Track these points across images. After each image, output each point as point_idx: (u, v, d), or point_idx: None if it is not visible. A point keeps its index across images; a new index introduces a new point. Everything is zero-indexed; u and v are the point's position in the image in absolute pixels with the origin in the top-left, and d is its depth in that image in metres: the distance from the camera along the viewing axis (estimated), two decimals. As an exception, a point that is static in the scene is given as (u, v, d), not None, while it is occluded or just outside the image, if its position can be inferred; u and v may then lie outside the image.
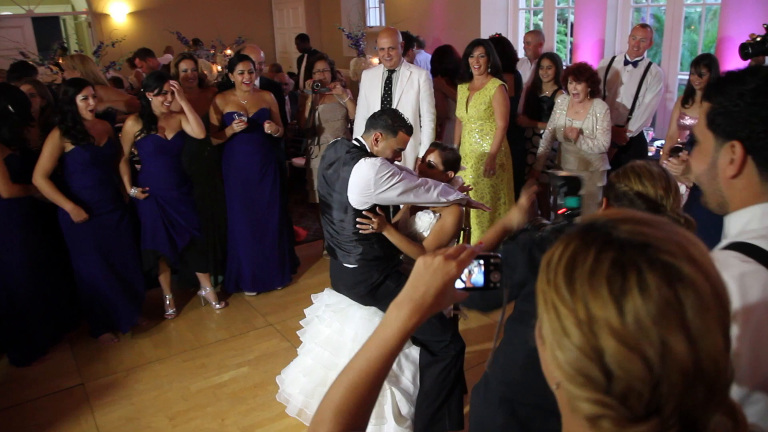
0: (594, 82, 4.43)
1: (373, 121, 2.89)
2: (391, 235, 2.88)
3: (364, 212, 2.80)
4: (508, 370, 1.98)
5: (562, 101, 4.62)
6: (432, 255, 1.06)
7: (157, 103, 4.04)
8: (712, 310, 0.66)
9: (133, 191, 4.16)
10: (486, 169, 4.49)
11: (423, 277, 1.05)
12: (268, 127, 4.40)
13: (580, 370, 0.68)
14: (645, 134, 5.08)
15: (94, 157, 3.84)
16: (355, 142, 2.88)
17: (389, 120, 2.85)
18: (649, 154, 5.05)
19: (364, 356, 1.02)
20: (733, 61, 5.25)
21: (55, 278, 4.04)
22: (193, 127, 4.17)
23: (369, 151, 2.84)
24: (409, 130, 2.88)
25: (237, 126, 4.28)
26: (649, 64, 4.79)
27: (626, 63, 4.85)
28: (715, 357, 0.65)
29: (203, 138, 4.28)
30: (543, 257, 0.76)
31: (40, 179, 3.73)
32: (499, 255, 1.10)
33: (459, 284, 1.08)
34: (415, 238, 3.06)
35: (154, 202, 4.23)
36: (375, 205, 2.82)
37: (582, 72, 4.42)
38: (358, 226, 2.82)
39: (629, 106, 4.83)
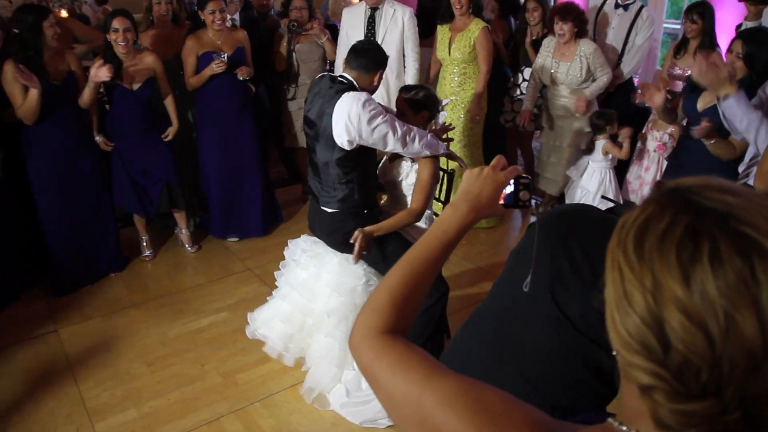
0: (581, 22, 4.31)
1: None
2: (381, 229, 2.75)
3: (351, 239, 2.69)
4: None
5: (547, 43, 4.49)
6: (479, 168, 1.12)
7: (113, 43, 3.76)
8: None
9: (98, 138, 3.97)
10: (473, 115, 4.39)
11: (475, 182, 1.10)
12: (241, 74, 4.23)
13: (637, 336, 0.64)
14: (633, 80, 4.98)
15: (51, 96, 3.54)
16: (341, 79, 2.75)
17: (383, 54, 2.82)
18: (637, 101, 4.97)
19: (424, 247, 1.05)
20: (725, 6, 5.16)
21: (22, 221, 3.87)
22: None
23: (358, 86, 2.72)
24: None
25: (217, 67, 4.07)
26: (641, 7, 4.64)
27: (617, 6, 4.69)
28: None
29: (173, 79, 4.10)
30: (620, 219, 0.71)
31: (20, 113, 3.50)
32: (528, 177, 1.17)
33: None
34: (395, 184, 2.98)
35: (118, 158, 4.04)
36: (360, 175, 2.76)
37: (569, 11, 4.29)
38: (348, 199, 2.76)
39: (618, 51, 4.72)
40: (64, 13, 6.58)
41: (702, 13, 4.14)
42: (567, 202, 4.62)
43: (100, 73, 3.56)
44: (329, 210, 2.83)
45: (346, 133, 2.60)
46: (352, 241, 2.65)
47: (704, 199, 0.64)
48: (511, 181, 1.14)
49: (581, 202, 4.41)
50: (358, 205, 2.81)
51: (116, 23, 3.72)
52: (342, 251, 2.89)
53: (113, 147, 4.01)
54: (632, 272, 0.65)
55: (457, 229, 1.06)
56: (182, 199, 4.36)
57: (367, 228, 2.69)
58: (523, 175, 1.16)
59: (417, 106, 2.89)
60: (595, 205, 4.34)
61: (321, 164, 2.77)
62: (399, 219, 2.78)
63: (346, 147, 2.66)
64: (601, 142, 4.29)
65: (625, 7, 4.66)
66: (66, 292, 3.94)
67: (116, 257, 4.22)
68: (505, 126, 5.16)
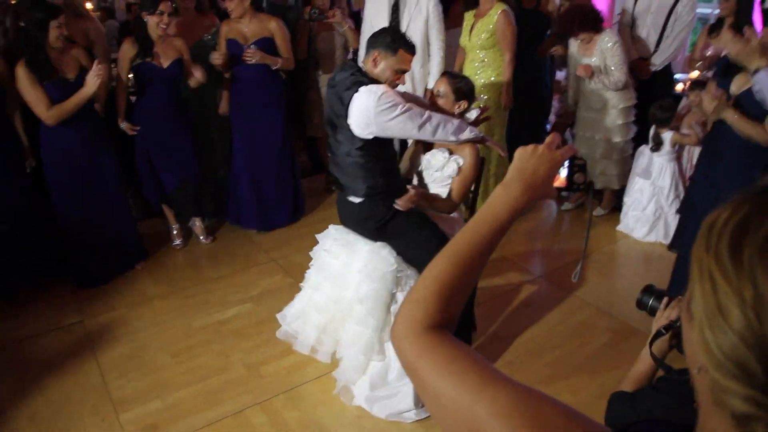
0: (584, 26, 4.11)
1: (372, 41, 2.70)
2: (426, 198, 2.79)
3: (398, 201, 2.72)
4: None
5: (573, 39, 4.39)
6: (533, 145, 1.01)
7: (152, 24, 3.80)
8: None
9: (123, 125, 4.00)
10: (505, 103, 4.29)
11: (529, 161, 1.00)
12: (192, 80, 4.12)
13: (735, 358, 0.55)
14: (671, 68, 4.76)
15: (65, 94, 3.50)
16: (360, 65, 2.73)
17: (389, 37, 2.66)
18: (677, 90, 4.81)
19: (473, 232, 0.94)
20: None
21: (42, 211, 3.85)
22: (197, 79, 4.06)
23: (370, 75, 2.67)
24: (410, 48, 2.69)
25: (245, 58, 4.08)
26: None
27: None
28: None
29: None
30: (705, 220, 0.61)
31: (51, 114, 3.45)
32: (584, 158, 1.10)
33: None
34: (421, 176, 2.94)
35: (143, 142, 4.08)
36: (380, 164, 2.73)
37: (563, 25, 4.23)
38: (371, 186, 2.73)
39: (656, 38, 4.54)
40: (89, 5, 6.59)
41: None
42: (625, 199, 4.50)
43: (98, 75, 3.48)
44: (356, 200, 2.78)
45: (365, 126, 2.57)
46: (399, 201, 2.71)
47: None
48: (565, 163, 1.05)
49: (653, 200, 4.31)
50: (384, 190, 2.76)
51: (163, 6, 3.80)
52: (375, 239, 2.84)
53: (138, 131, 4.04)
54: (728, 283, 0.56)
55: (510, 211, 0.95)
56: (196, 202, 4.39)
57: (421, 190, 2.75)
58: (579, 156, 1.07)
59: (459, 94, 2.87)
60: (670, 201, 4.16)
61: (341, 153, 2.73)
62: (440, 201, 2.85)
63: (365, 137, 2.63)
64: (668, 135, 4.17)
65: None
66: (92, 285, 3.94)
67: (138, 247, 4.23)
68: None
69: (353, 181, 2.75)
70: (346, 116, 2.60)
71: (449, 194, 2.90)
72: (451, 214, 2.92)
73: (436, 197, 2.86)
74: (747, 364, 0.54)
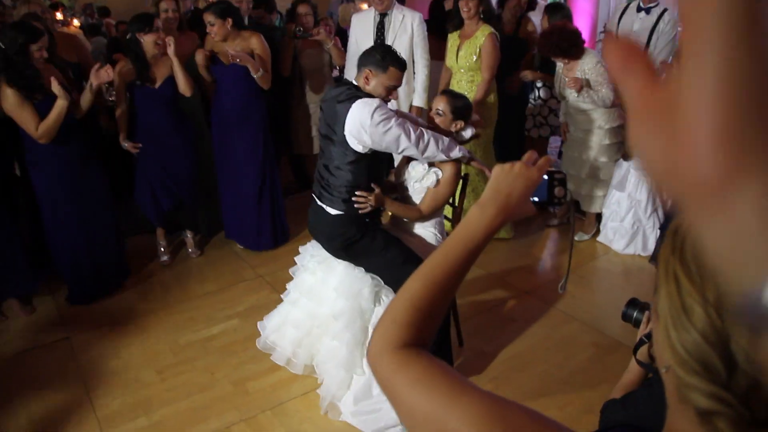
0: (564, 54, 4.15)
1: (362, 59, 2.78)
2: (391, 207, 2.85)
3: (357, 193, 2.77)
4: None
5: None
6: (509, 163, 1.01)
7: (149, 42, 3.83)
8: None
9: (125, 145, 4.04)
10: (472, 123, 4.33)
11: (505, 180, 1.00)
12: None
13: (698, 356, 0.57)
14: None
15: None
16: (354, 81, 2.80)
17: (378, 55, 2.73)
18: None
19: (448, 252, 0.94)
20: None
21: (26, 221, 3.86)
22: (180, 85, 3.99)
23: (364, 91, 2.73)
24: (399, 65, 2.76)
25: (230, 55, 4.04)
26: (664, 11, 4.51)
27: (639, 9, 4.57)
28: None
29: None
30: (671, 225, 0.63)
31: (42, 133, 3.42)
32: (563, 172, 1.06)
33: None
34: (403, 186, 2.98)
35: (144, 160, 4.10)
36: (369, 181, 2.79)
37: (542, 46, 4.28)
38: (353, 202, 2.78)
39: None
40: (76, 23, 6.61)
41: None
42: (604, 210, 4.54)
43: (101, 74, 3.56)
44: (333, 212, 2.83)
45: (360, 137, 2.64)
46: (358, 193, 2.77)
47: None
48: (545, 177, 1.07)
49: (631, 213, 4.36)
50: (365, 213, 2.82)
51: (156, 23, 3.88)
52: (339, 257, 2.90)
53: (140, 148, 4.07)
54: (692, 284, 0.57)
55: (485, 232, 0.95)
56: (193, 216, 4.42)
57: (380, 198, 2.80)
58: (556, 170, 1.09)
59: (457, 113, 2.92)
60: (648, 214, 4.21)
61: (333, 166, 2.79)
62: (407, 209, 2.89)
63: (360, 150, 2.69)
64: None
65: (647, 11, 4.53)
66: (83, 302, 3.92)
67: (124, 265, 4.23)
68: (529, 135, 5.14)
69: (336, 191, 2.80)
70: (342, 129, 2.66)
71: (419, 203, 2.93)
72: (428, 238, 2.95)
73: (397, 203, 2.90)
74: (709, 361, 0.56)
